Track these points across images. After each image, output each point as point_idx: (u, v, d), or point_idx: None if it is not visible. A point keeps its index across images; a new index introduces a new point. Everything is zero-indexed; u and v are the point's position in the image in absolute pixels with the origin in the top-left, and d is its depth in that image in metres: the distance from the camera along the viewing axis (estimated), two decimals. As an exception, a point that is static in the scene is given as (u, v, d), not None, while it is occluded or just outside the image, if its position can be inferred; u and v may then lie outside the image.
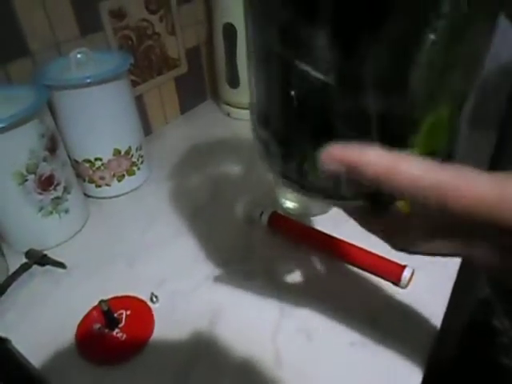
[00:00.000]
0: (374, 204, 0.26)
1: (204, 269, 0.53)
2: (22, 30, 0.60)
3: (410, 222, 0.26)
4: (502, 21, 0.21)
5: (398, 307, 0.46)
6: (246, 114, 0.87)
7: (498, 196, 0.20)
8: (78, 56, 0.60)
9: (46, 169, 0.54)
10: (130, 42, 0.76)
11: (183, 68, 0.89)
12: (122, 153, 0.66)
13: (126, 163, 0.67)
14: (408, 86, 0.21)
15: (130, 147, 0.67)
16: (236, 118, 0.89)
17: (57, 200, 0.57)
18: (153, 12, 0.79)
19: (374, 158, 0.21)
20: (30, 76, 0.61)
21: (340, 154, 0.22)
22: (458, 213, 0.21)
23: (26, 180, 0.53)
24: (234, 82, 0.85)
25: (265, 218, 0.57)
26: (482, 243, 0.23)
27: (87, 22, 0.69)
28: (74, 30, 0.67)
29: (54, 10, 0.64)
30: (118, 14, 0.73)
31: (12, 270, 0.54)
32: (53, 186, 0.56)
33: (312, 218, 0.59)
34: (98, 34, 0.71)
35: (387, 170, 0.21)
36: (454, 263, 0.49)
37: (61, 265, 0.54)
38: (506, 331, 0.80)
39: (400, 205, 0.26)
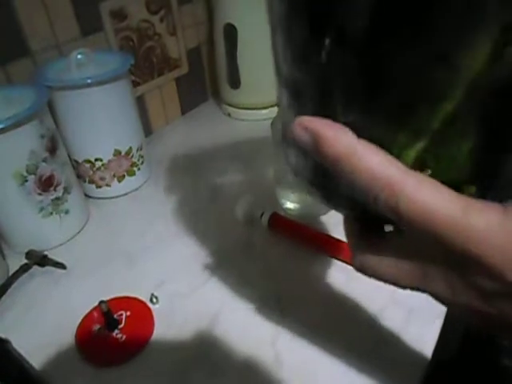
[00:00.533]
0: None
1: (204, 270, 0.53)
2: (22, 30, 0.60)
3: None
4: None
5: (398, 308, 0.46)
6: (246, 114, 0.87)
7: (458, 215, 0.18)
8: (79, 56, 0.60)
9: (46, 169, 0.54)
10: (130, 43, 0.76)
11: (184, 68, 0.89)
12: (123, 153, 0.66)
13: (127, 164, 0.67)
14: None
15: (130, 148, 0.67)
16: (237, 119, 0.89)
17: (57, 201, 0.57)
18: (153, 12, 0.79)
19: (340, 135, 0.20)
20: (30, 76, 0.61)
21: (310, 123, 0.21)
22: (407, 218, 0.19)
23: (26, 181, 0.53)
24: (234, 82, 0.85)
25: (265, 219, 0.57)
26: (438, 273, 0.21)
27: (88, 23, 0.69)
28: (74, 31, 0.67)
29: (55, 11, 0.64)
30: (119, 15, 0.73)
31: (12, 270, 0.54)
32: (53, 187, 0.56)
33: (313, 219, 0.59)
34: (99, 34, 0.71)
35: (347, 152, 0.20)
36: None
37: (61, 265, 0.54)
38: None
39: None
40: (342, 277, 0.50)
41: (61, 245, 0.60)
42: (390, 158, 0.20)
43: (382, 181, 0.19)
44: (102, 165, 0.65)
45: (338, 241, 0.52)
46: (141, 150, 0.69)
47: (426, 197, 0.19)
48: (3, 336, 0.37)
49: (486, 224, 0.18)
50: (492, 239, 0.18)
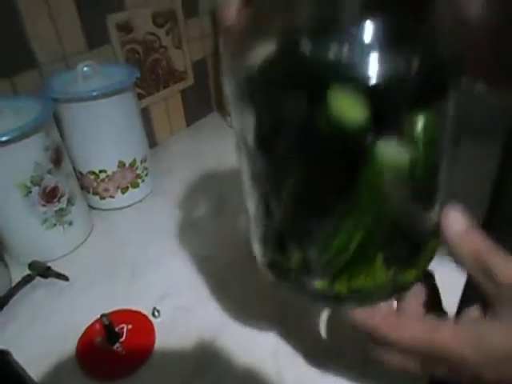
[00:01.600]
0: None
1: (206, 283, 0.53)
2: (29, 43, 0.61)
3: None
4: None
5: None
6: (251, 126, 0.87)
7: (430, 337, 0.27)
8: (85, 69, 0.61)
9: (50, 181, 0.54)
10: (136, 55, 0.77)
11: (189, 80, 0.90)
12: (127, 165, 0.66)
13: (131, 175, 0.67)
14: None
15: (134, 159, 0.67)
16: (241, 131, 0.89)
17: (60, 212, 0.57)
18: (160, 25, 0.79)
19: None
20: (36, 88, 0.61)
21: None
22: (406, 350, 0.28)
23: (31, 192, 0.53)
24: (239, 94, 0.86)
25: (268, 232, 0.56)
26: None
27: (94, 35, 0.69)
28: (81, 43, 0.68)
29: (62, 23, 0.64)
30: (126, 28, 0.73)
31: (15, 281, 0.54)
32: (57, 198, 0.56)
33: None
34: (105, 46, 0.71)
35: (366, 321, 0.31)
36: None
37: (64, 277, 0.54)
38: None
39: None
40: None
41: (64, 256, 0.60)
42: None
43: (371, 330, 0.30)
44: (107, 176, 0.65)
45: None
46: (145, 161, 0.69)
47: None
48: (4, 347, 0.37)
49: (451, 338, 0.25)
50: (459, 349, 0.25)
